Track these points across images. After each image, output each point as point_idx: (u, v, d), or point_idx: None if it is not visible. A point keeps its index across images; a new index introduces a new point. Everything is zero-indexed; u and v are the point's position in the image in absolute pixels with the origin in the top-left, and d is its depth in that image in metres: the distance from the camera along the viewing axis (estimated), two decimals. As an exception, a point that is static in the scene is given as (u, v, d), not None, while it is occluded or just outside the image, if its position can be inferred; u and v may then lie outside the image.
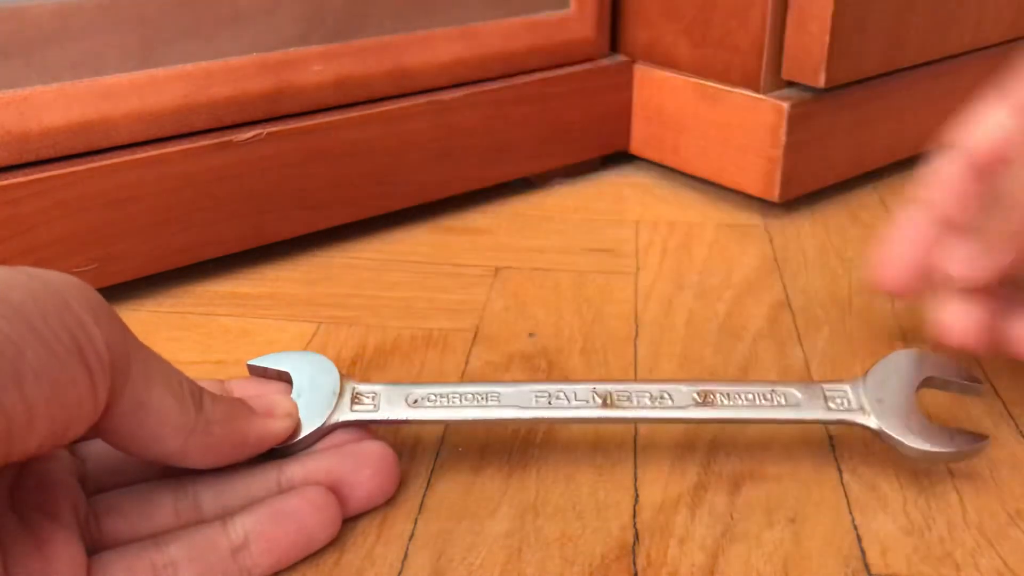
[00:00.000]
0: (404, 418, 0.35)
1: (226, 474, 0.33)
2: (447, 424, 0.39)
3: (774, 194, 0.60)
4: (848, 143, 0.62)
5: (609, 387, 0.36)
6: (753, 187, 0.61)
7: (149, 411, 0.28)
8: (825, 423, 0.36)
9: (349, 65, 0.53)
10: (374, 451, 0.34)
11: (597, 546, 0.33)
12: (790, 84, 0.60)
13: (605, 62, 0.64)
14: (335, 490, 0.33)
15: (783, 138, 0.58)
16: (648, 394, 0.36)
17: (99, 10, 0.46)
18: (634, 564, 0.32)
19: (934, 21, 0.62)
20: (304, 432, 0.34)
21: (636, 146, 0.67)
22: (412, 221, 0.59)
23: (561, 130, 0.63)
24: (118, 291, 0.49)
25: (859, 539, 0.34)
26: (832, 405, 0.36)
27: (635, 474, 0.37)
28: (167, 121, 0.48)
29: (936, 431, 0.35)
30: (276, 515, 0.31)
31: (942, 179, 0.39)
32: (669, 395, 0.36)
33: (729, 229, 0.59)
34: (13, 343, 0.24)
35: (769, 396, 0.36)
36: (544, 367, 0.44)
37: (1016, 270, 0.36)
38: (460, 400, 0.36)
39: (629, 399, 0.36)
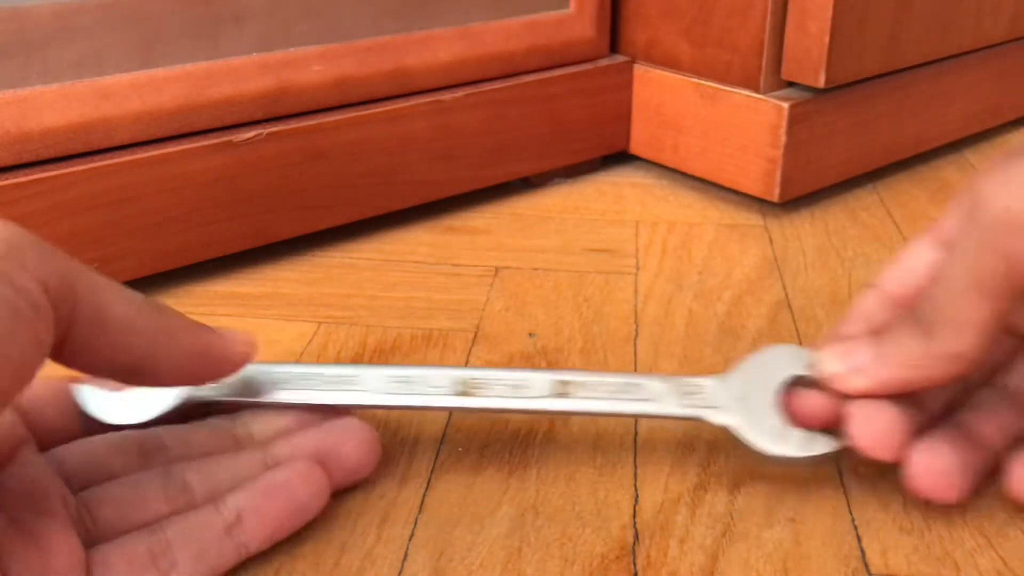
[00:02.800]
0: (258, 399, 0.35)
1: (212, 458, 0.33)
2: (302, 407, 0.37)
3: (774, 194, 0.60)
4: (848, 143, 0.62)
5: (468, 374, 0.36)
6: (753, 187, 0.61)
7: (108, 322, 0.28)
8: (678, 418, 0.35)
9: (349, 65, 0.53)
10: (354, 425, 0.35)
11: (597, 546, 0.33)
12: (790, 84, 0.60)
13: (605, 62, 0.64)
14: (320, 464, 0.33)
15: (783, 138, 0.58)
16: (506, 383, 0.35)
17: (99, 10, 0.46)
18: (634, 564, 0.32)
19: (934, 21, 0.62)
20: (158, 408, 0.34)
21: (636, 146, 0.67)
22: (412, 221, 0.59)
23: (561, 130, 0.63)
24: (118, 291, 0.49)
25: (859, 539, 0.34)
26: (688, 400, 0.35)
27: (635, 474, 0.37)
28: (167, 121, 0.48)
29: (792, 433, 0.34)
30: (266, 489, 0.32)
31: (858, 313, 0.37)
32: (527, 384, 0.35)
33: (729, 229, 0.59)
34: None
35: (627, 389, 0.35)
36: (544, 367, 0.44)
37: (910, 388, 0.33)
38: (318, 382, 0.35)
39: (487, 387, 0.35)
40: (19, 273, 0.26)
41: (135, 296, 0.30)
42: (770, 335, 0.47)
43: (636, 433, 0.39)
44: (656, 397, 0.35)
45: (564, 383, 0.35)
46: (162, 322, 0.30)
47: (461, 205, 0.61)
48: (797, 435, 0.34)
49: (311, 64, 0.52)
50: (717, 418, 0.35)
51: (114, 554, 0.29)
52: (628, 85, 0.65)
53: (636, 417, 0.37)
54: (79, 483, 0.32)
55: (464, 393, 0.35)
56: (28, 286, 0.26)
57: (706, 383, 0.35)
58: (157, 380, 0.31)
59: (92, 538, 0.30)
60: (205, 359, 0.32)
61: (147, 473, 0.32)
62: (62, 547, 0.28)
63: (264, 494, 0.32)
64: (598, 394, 0.35)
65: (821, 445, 0.34)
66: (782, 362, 0.36)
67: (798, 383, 0.35)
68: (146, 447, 0.34)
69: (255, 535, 0.31)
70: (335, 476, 0.34)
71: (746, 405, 0.35)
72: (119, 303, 0.29)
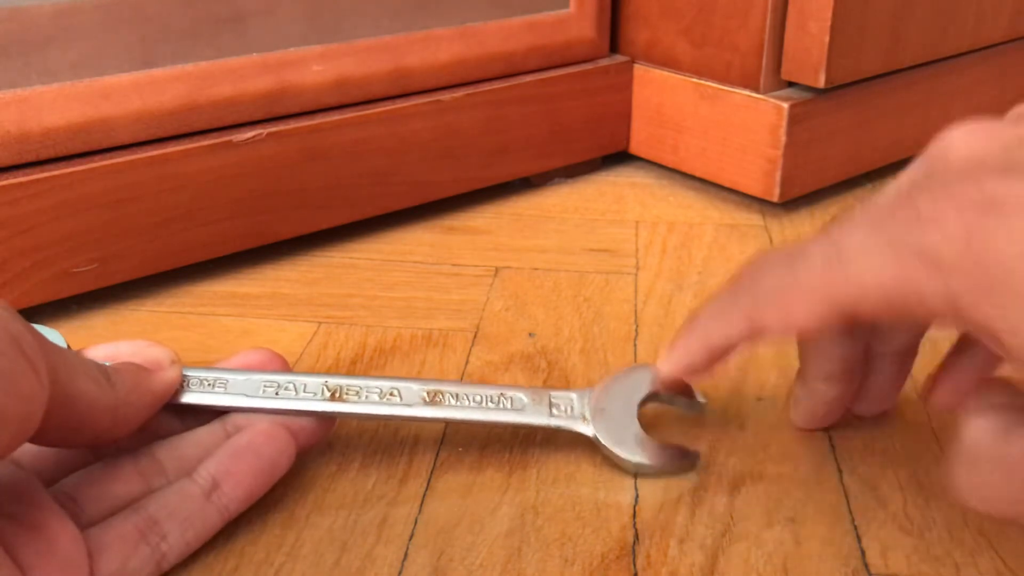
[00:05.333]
0: None
1: (176, 435, 0.34)
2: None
3: (774, 194, 0.60)
4: (848, 143, 0.62)
5: (341, 381, 0.36)
6: (753, 187, 0.61)
7: (77, 400, 0.29)
8: (546, 428, 0.37)
9: (349, 65, 0.53)
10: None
11: (597, 546, 0.33)
12: (790, 84, 0.60)
13: (605, 62, 0.64)
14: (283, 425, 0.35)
15: (783, 138, 0.58)
16: (378, 390, 0.36)
17: (99, 10, 0.46)
18: (634, 564, 0.32)
19: (934, 21, 0.62)
20: None
21: (636, 146, 0.67)
22: (412, 221, 0.59)
23: (561, 130, 0.63)
24: (118, 291, 0.49)
25: (859, 539, 0.34)
26: (555, 412, 0.37)
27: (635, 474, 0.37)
28: (167, 121, 0.48)
29: (649, 445, 0.36)
30: (234, 453, 0.33)
31: None
32: (399, 392, 0.36)
33: (729, 229, 0.59)
34: None
35: (497, 399, 0.37)
36: (544, 367, 0.44)
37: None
38: (187, 384, 0.35)
39: (358, 394, 0.36)
40: (20, 326, 0.27)
41: (92, 368, 0.30)
42: (770, 335, 0.47)
43: (636, 433, 0.39)
44: (524, 408, 0.37)
45: (434, 392, 0.36)
46: (116, 394, 0.31)
47: (461, 205, 0.61)
48: (651, 447, 0.36)
49: (311, 64, 0.52)
50: (583, 429, 0.36)
51: (106, 536, 0.30)
52: (628, 85, 0.65)
53: (505, 426, 0.38)
54: (45, 479, 0.32)
55: (334, 399, 0.36)
56: (28, 337, 0.27)
57: (572, 396, 0.37)
58: (117, 437, 0.32)
59: (80, 523, 0.30)
60: (153, 406, 0.33)
61: (116, 457, 0.33)
62: (63, 533, 0.28)
63: (233, 457, 0.33)
64: (467, 404, 0.36)
65: (676, 456, 0.36)
66: (639, 380, 0.38)
67: (653, 399, 0.38)
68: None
69: (233, 496, 0.32)
70: (298, 437, 0.35)
71: (607, 418, 0.37)
72: (84, 380, 0.29)
